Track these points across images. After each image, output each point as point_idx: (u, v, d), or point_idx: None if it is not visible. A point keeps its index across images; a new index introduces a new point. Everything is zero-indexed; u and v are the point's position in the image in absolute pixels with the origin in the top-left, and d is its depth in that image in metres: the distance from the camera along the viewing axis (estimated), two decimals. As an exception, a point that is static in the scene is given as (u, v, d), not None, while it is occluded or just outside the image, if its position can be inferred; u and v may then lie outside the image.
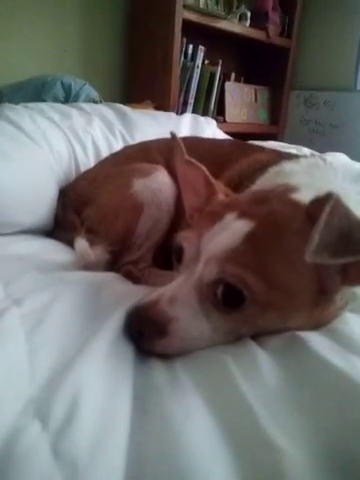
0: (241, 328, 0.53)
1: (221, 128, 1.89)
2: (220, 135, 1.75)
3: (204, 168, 0.64)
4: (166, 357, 0.51)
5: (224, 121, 2.44)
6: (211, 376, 0.47)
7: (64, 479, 0.32)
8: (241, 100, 2.60)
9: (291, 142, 1.91)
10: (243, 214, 0.53)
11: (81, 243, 0.84)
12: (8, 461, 0.33)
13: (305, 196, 0.57)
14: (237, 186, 0.75)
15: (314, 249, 0.44)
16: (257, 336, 0.54)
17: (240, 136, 1.87)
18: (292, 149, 1.51)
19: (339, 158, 1.43)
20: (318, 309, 0.54)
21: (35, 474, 0.32)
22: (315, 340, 0.50)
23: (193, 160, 0.65)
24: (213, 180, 0.64)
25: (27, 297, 0.57)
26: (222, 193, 0.64)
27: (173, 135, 0.68)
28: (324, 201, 0.47)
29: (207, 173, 0.64)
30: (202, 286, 0.52)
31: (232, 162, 0.88)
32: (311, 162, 0.76)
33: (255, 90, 2.70)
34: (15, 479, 0.32)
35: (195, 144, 0.98)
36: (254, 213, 0.53)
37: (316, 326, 0.54)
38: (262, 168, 0.78)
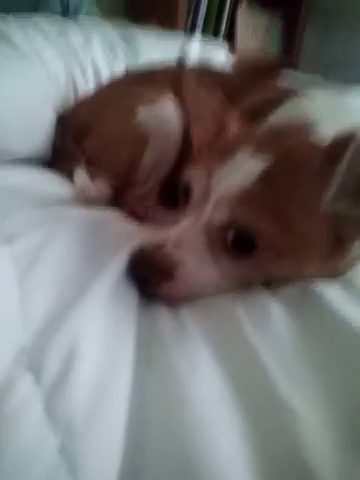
0: (252, 274, 0.51)
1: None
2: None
3: (217, 92, 0.60)
4: (172, 304, 0.49)
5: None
6: (220, 325, 0.45)
7: (58, 442, 0.29)
8: (253, 27, 2.41)
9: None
10: (257, 151, 0.50)
11: (81, 175, 0.81)
12: (-3, 419, 0.30)
13: (326, 130, 0.54)
14: (257, 114, 0.71)
15: (333, 196, 0.43)
16: (268, 283, 0.52)
17: (252, 65, 1.76)
18: (308, 79, 1.44)
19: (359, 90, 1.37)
20: (334, 258, 0.52)
21: (25, 435, 0.29)
22: (330, 292, 0.48)
23: (202, 87, 0.61)
24: (225, 109, 0.60)
25: (20, 235, 0.53)
26: (235, 125, 0.59)
27: (180, 60, 0.61)
28: (346, 141, 0.45)
29: (219, 100, 0.60)
30: (211, 229, 0.50)
31: (251, 90, 0.83)
32: (330, 94, 0.72)
33: (268, 17, 2.49)
34: (4, 436, 0.29)
35: (207, 72, 0.94)
36: (270, 150, 0.50)
37: (331, 275, 0.52)
38: (278, 101, 0.73)
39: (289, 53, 2.61)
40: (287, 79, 0.95)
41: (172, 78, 0.91)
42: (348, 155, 0.43)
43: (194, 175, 0.55)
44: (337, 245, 0.50)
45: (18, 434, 0.29)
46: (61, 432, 0.30)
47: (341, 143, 0.46)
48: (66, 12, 1.55)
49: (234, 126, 0.59)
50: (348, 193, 0.42)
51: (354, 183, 0.43)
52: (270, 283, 0.52)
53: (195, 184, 0.54)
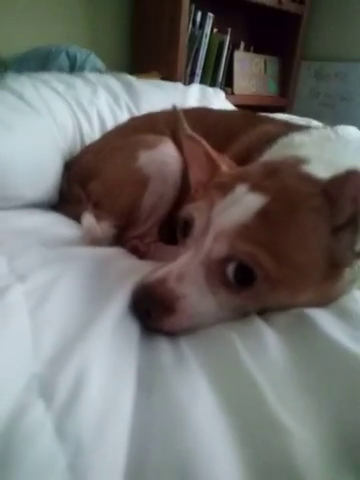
0: (249, 305, 0.52)
1: (229, 100, 1.84)
2: (228, 107, 1.70)
3: (204, 142, 0.62)
4: (171, 335, 0.50)
5: (232, 93, 2.38)
6: (217, 355, 0.46)
7: (67, 459, 0.32)
8: (250, 71, 2.51)
9: (300, 115, 1.86)
10: (255, 187, 0.52)
11: (88, 218, 0.83)
12: (11, 440, 0.32)
13: (316, 169, 0.56)
14: (246, 158, 0.73)
15: None
16: (263, 312, 0.53)
17: (248, 108, 1.80)
18: (301, 122, 1.48)
19: (350, 131, 1.40)
20: (327, 283, 0.53)
21: (38, 453, 0.32)
22: (323, 318, 0.49)
23: (194, 134, 0.63)
24: (215, 154, 0.62)
25: (31, 273, 0.56)
26: (226, 166, 0.62)
27: (175, 108, 0.66)
28: (345, 179, 0.47)
29: (208, 147, 0.62)
30: (210, 262, 0.51)
31: (241, 134, 0.86)
32: (322, 134, 0.74)
33: (265, 60, 2.61)
34: (18, 458, 0.31)
35: (203, 115, 0.97)
36: (266, 187, 0.52)
37: (325, 301, 0.53)
38: (271, 139, 0.75)
39: (285, 93, 2.70)
40: (280, 120, 0.98)
41: (170, 123, 0.95)
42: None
43: (196, 207, 0.56)
44: (330, 271, 0.51)
45: (32, 452, 0.31)
46: (70, 451, 0.32)
47: (338, 181, 0.48)
48: (73, 67, 1.61)
49: (225, 167, 0.61)
50: None
51: None
52: (265, 312, 0.53)
53: (197, 216, 0.55)
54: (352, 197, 0.48)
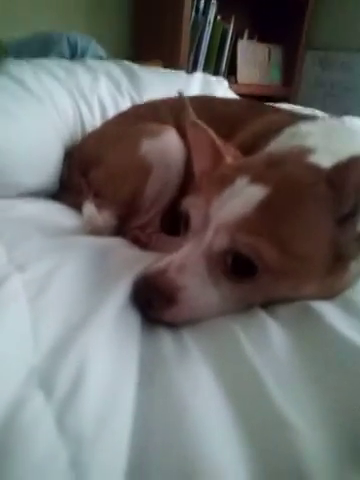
0: (252, 297, 0.52)
1: (232, 89, 1.83)
2: (232, 96, 1.69)
3: (210, 130, 0.62)
4: (174, 326, 0.50)
5: (235, 82, 2.36)
6: (220, 347, 0.46)
7: (69, 452, 0.31)
8: (254, 60, 2.48)
9: (304, 105, 1.85)
10: (256, 178, 0.51)
11: (89, 207, 0.83)
12: (11, 432, 0.32)
13: (322, 159, 0.55)
14: (251, 148, 0.72)
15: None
16: (267, 304, 0.52)
17: (252, 98, 1.80)
18: (305, 112, 1.47)
19: (356, 122, 1.40)
20: (332, 277, 0.52)
21: (39, 446, 0.31)
22: (328, 311, 0.48)
23: (199, 122, 0.63)
24: (220, 143, 0.62)
25: (31, 262, 0.55)
26: (230, 156, 0.61)
27: (180, 94, 0.64)
28: (348, 166, 0.47)
29: (213, 135, 0.62)
30: (212, 255, 0.51)
31: (246, 122, 0.85)
32: (328, 124, 0.74)
33: (269, 49, 2.57)
34: (18, 451, 0.30)
35: (207, 103, 0.96)
36: (268, 177, 0.51)
37: (330, 294, 0.52)
38: (277, 129, 0.75)
39: (289, 83, 2.68)
40: (286, 110, 0.97)
41: (174, 111, 0.95)
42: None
43: (192, 203, 0.56)
44: (335, 263, 0.51)
45: (32, 447, 0.31)
46: (71, 445, 0.32)
47: (342, 168, 0.48)
48: (74, 54, 1.59)
49: (229, 157, 0.61)
50: None
51: None
52: (269, 304, 0.52)
53: (193, 212, 0.55)
54: (355, 184, 0.47)
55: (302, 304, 0.50)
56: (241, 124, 0.85)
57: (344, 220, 0.50)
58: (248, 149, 0.69)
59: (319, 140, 0.65)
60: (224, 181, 0.53)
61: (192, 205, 0.56)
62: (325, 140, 0.65)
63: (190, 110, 0.63)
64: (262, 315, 0.50)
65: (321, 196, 0.49)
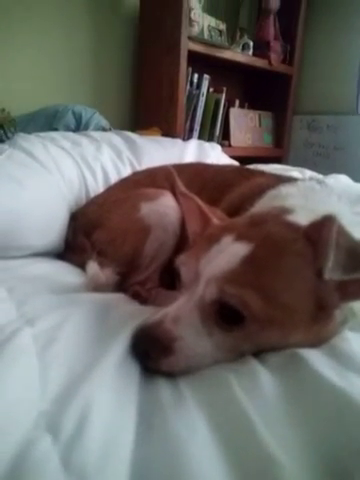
0: (242, 345, 0.55)
1: (227, 152, 1.93)
2: (225, 159, 1.79)
3: (197, 198, 0.67)
4: (171, 376, 0.52)
5: (229, 145, 2.49)
6: (214, 394, 0.48)
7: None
8: (246, 125, 2.65)
9: (296, 165, 1.95)
10: (240, 236, 0.55)
11: (93, 266, 0.87)
12: (21, 470, 0.35)
13: (300, 217, 0.60)
14: (238, 208, 0.78)
15: (330, 267, 0.48)
16: (259, 353, 0.55)
17: (245, 160, 1.91)
18: (295, 172, 1.56)
19: (341, 180, 1.47)
20: (317, 325, 0.55)
21: (46, 482, 0.34)
22: (314, 358, 0.51)
23: (187, 192, 0.69)
24: (206, 208, 0.67)
25: (39, 317, 0.59)
26: (217, 219, 0.66)
27: (170, 170, 0.71)
28: (322, 224, 0.51)
29: (200, 203, 0.67)
30: (204, 305, 0.54)
31: (234, 186, 0.91)
32: (307, 185, 0.79)
33: (259, 115, 2.75)
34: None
35: (200, 170, 1.03)
36: (251, 235, 0.55)
37: (317, 342, 0.55)
38: (261, 192, 0.80)
39: (280, 145, 2.83)
40: (271, 174, 1.04)
41: (169, 178, 0.98)
42: (333, 232, 0.48)
43: (182, 261, 0.60)
44: (319, 312, 0.53)
45: (40, 482, 0.34)
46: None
47: (318, 225, 0.52)
48: (79, 125, 1.71)
49: (215, 219, 0.66)
50: (339, 264, 0.48)
51: (342, 255, 0.48)
52: (260, 352, 0.55)
53: (184, 269, 0.59)
54: (329, 239, 0.51)
55: (290, 352, 0.53)
56: (230, 188, 0.91)
57: (322, 272, 0.53)
58: (236, 209, 0.75)
59: (297, 200, 0.70)
60: (211, 240, 0.57)
61: (182, 262, 0.60)
62: (303, 200, 0.71)
63: (179, 182, 0.70)
64: (253, 363, 0.53)
65: (300, 251, 0.53)
